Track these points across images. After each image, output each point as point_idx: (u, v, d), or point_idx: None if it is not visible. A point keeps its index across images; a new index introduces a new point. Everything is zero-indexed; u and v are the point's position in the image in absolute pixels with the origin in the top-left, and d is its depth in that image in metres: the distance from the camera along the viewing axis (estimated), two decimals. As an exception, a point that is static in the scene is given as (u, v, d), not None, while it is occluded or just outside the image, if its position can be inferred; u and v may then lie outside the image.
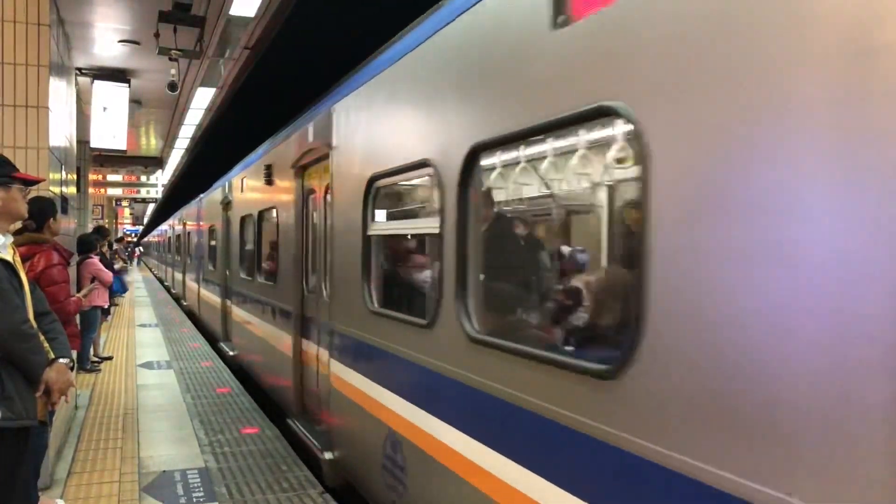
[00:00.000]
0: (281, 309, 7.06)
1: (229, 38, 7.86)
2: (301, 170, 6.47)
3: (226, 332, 11.21)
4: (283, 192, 7.04)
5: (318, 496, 4.93)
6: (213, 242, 12.97)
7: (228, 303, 10.78)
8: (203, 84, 9.92)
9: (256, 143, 9.30)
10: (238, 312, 9.77)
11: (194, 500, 4.80)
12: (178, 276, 21.62)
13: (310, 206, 6.38)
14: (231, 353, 10.02)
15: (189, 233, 18.31)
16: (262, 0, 6.67)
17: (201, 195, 15.59)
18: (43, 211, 4.61)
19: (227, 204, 10.99)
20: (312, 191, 6.28)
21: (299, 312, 6.45)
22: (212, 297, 12.87)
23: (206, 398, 7.91)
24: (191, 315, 16.79)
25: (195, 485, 5.08)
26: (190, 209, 18.74)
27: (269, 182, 7.53)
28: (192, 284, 17.21)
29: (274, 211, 7.48)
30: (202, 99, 10.86)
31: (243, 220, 9.39)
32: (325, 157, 5.48)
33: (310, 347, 6.17)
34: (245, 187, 9.39)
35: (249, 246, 9.15)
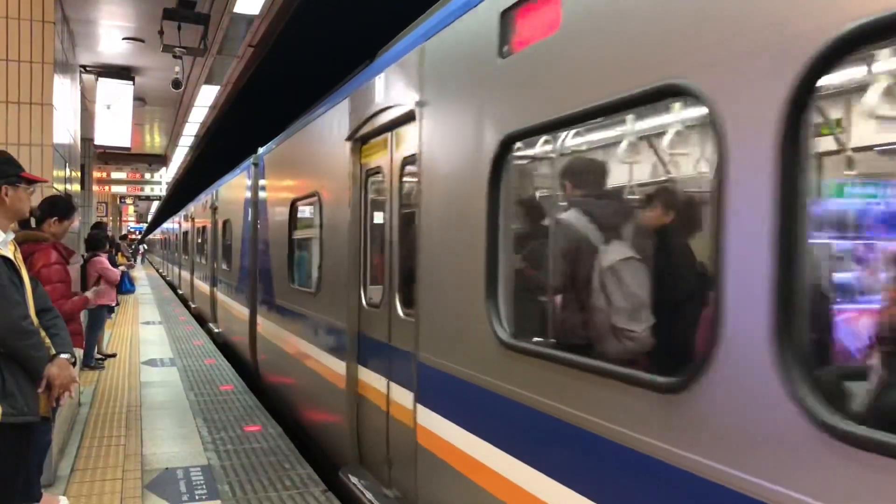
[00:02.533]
0: None
1: (233, 35, 7.87)
2: None
3: (364, 451, 4.94)
4: None
5: (321, 494, 4.92)
6: (298, 234, 6.87)
7: (384, 387, 4.46)
8: (207, 82, 9.93)
9: (258, 142, 9.23)
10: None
11: (197, 497, 4.80)
12: (201, 285, 15.21)
13: None
14: None
15: (227, 222, 11.46)
16: (266, -3, 6.68)
17: (260, 151, 8.99)
18: (50, 209, 4.67)
19: (363, 138, 4.92)
20: None
21: None
22: (296, 344, 6.54)
23: (209, 396, 7.91)
24: (224, 347, 11.18)
25: (198, 482, 5.07)
26: (225, 189, 12.12)
27: None
28: (229, 303, 11.08)
29: None
30: (206, 97, 10.87)
31: (507, 146, 2.94)
32: None
33: None
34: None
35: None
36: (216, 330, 12.44)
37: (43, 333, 3.33)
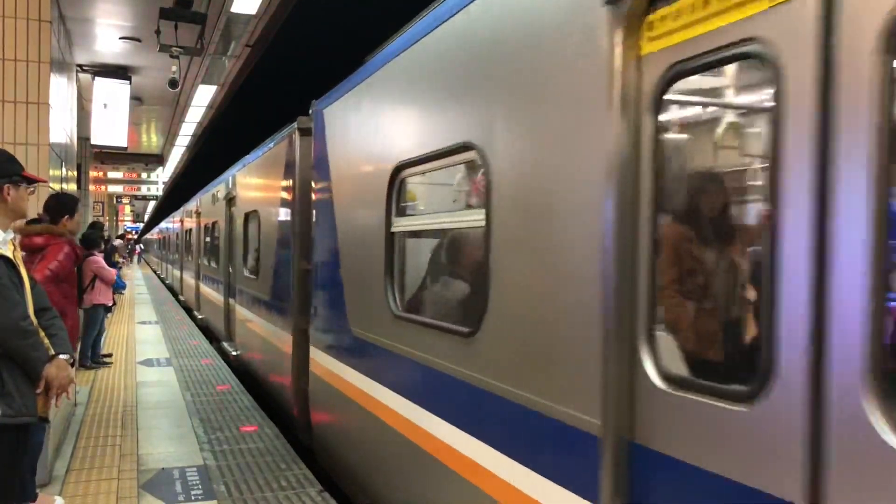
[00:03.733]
0: None
1: (230, 35, 7.87)
2: None
3: None
4: None
5: (317, 494, 4.92)
6: (411, 224, 4.16)
7: None
8: (204, 81, 9.93)
9: (258, 140, 9.20)
10: None
11: (193, 497, 4.79)
12: (210, 294, 12.93)
13: None
14: None
15: (251, 215, 8.85)
16: (263, -3, 6.69)
17: (317, 107, 5.93)
18: (59, 207, 4.79)
19: None
20: None
21: None
22: (430, 428, 3.45)
23: (205, 396, 7.90)
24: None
25: (194, 482, 5.07)
26: (247, 172, 9.33)
27: None
28: (255, 324, 8.33)
29: None
30: (203, 96, 10.86)
31: None
32: None
33: None
34: None
35: None
36: (233, 353, 9.76)
37: (41, 333, 3.33)
